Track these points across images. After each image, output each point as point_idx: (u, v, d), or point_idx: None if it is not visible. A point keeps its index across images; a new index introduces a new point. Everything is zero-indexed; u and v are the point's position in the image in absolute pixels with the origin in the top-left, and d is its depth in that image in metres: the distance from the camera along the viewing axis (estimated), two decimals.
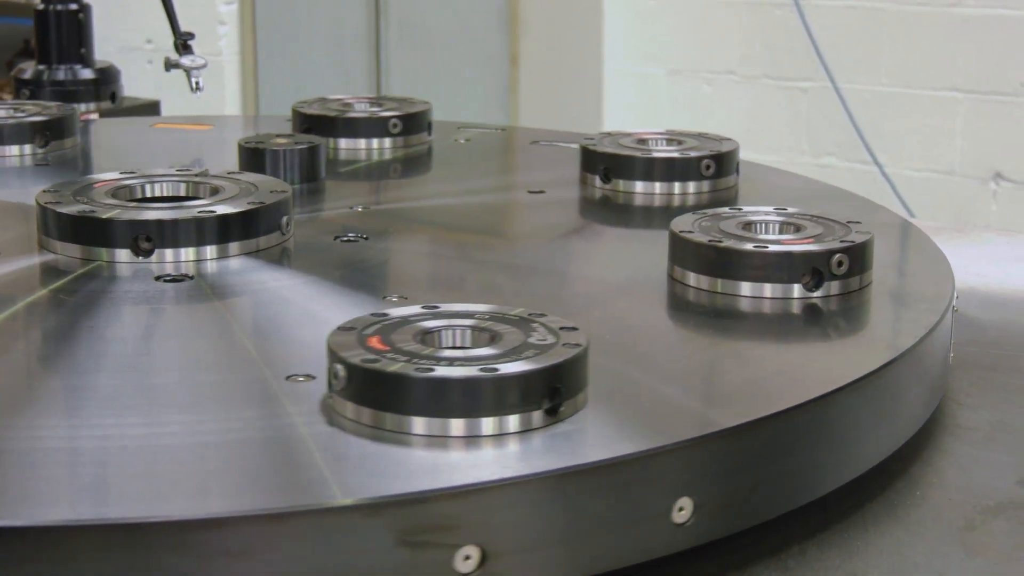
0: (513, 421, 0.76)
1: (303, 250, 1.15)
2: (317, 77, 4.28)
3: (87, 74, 2.07)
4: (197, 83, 2.19)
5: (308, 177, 1.36)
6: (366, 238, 1.19)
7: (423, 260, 1.21)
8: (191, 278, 1.05)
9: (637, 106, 4.24)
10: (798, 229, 1.07)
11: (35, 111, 1.57)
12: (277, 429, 0.78)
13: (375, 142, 1.56)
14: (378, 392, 0.76)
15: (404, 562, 0.69)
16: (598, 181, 1.37)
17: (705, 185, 1.35)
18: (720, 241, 1.03)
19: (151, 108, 2.49)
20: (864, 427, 0.87)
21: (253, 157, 1.35)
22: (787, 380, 0.87)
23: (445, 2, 4.10)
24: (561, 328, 0.82)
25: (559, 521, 0.72)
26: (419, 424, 0.75)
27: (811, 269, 1.00)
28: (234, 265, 1.09)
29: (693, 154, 1.35)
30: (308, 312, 1.02)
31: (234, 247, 1.10)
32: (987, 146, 3.84)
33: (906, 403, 0.92)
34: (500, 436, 0.75)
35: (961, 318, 1.15)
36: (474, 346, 0.82)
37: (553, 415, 0.77)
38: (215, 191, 1.17)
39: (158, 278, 1.05)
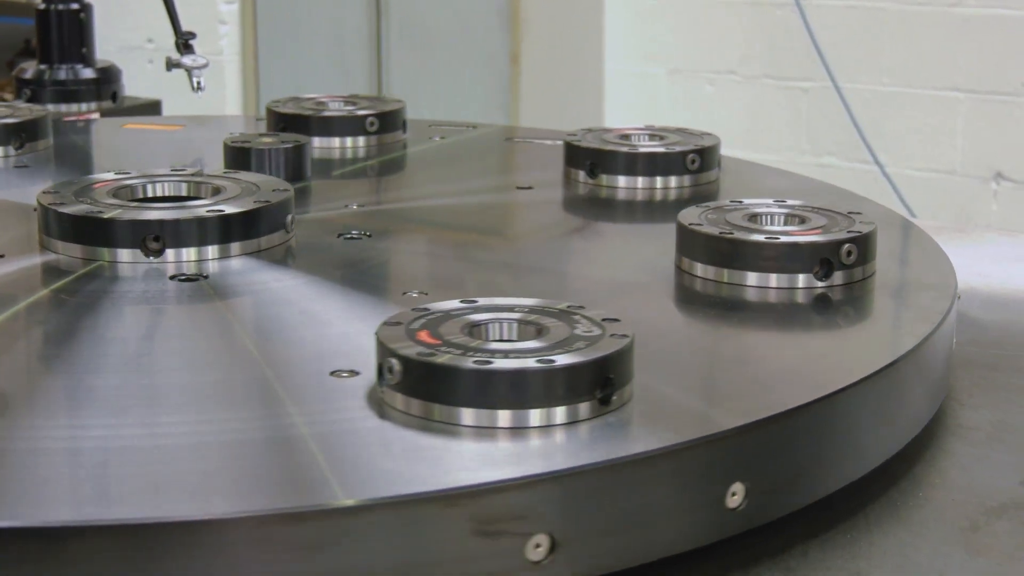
0: (569, 411, 0.77)
1: (308, 248, 1.15)
2: (318, 76, 4.28)
3: (88, 74, 2.07)
4: (198, 83, 2.18)
5: (294, 176, 1.36)
6: (369, 235, 1.19)
7: (430, 257, 1.22)
8: (205, 277, 1.05)
9: (638, 106, 4.24)
10: (803, 221, 1.10)
11: (7, 113, 1.56)
12: (335, 424, 0.79)
13: (348, 140, 1.56)
14: (436, 385, 0.77)
15: (479, 551, 0.70)
16: (582, 176, 1.39)
17: (690, 179, 1.37)
18: (731, 233, 1.05)
19: (152, 108, 2.49)
20: (867, 427, 0.87)
21: (239, 156, 1.35)
22: (789, 377, 0.88)
23: (446, 2, 4.10)
24: (604, 320, 0.84)
25: (624, 508, 0.74)
26: (478, 416, 0.77)
27: (821, 259, 1.03)
28: (242, 264, 1.09)
29: (679, 149, 1.38)
30: (333, 308, 1.03)
31: (241, 246, 1.10)
32: (988, 146, 3.84)
33: (909, 403, 0.92)
34: (557, 427, 0.77)
35: (963, 318, 1.15)
36: (521, 339, 0.83)
37: (605, 405, 0.78)
38: (217, 191, 1.17)
39: (173, 277, 1.05)
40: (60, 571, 0.66)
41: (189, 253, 1.08)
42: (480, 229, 1.32)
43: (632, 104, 4.26)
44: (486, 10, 4.01)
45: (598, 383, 0.78)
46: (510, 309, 0.86)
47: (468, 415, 0.77)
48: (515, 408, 0.76)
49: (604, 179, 1.38)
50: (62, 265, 1.08)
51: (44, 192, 1.14)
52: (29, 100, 1.97)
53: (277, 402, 0.82)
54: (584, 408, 0.78)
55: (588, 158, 1.38)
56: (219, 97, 4.40)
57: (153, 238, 1.07)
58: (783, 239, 1.04)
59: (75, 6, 2.14)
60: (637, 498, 0.74)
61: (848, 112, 3.95)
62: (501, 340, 0.83)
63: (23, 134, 1.52)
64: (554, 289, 1.10)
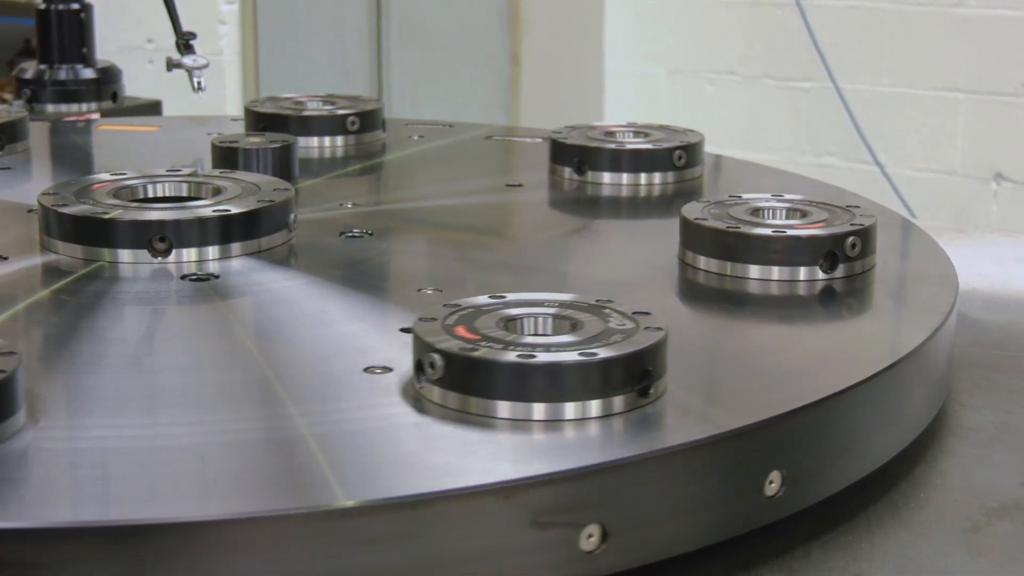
0: (609, 404, 0.78)
1: (310, 247, 1.15)
2: (318, 76, 4.28)
3: (89, 74, 2.06)
4: (199, 83, 2.18)
5: (282, 176, 1.35)
6: (371, 234, 1.19)
7: (435, 256, 1.22)
8: (216, 277, 1.05)
9: (638, 106, 4.24)
10: (804, 215, 1.12)
11: None
12: (376, 420, 0.79)
13: (327, 140, 1.56)
14: (480, 379, 0.78)
15: (535, 543, 0.71)
16: (568, 172, 1.40)
17: (674, 175, 1.40)
18: (738, 227, 1.07)
19: (152, 108, 2.49)
20: (868, 428, 0.86)
21: (226, 156, 1.35)
22: (785, 378, 0.88)
23: (446, 2, 4.10)
24: (634, 313, 0.85)
25: (672, 497, 0.76)
26: (518, 409, 0.77)
27: (826, 252, 1.05)
28: (248, 264, 1.09)
29: (666, 145, 1.40)
30: (351, 306, 1.04)
31: (246, 246, 1.10)
32: (988, 146, 3.84)
33: (910, 404, 0.92)
34: (599, 419, 0.78)
35: (964, 319, 1.15)
36: (555, 333, 0.84)
37: (644, 397, 0.79)
38: (217, 191, 1.17)
39: (184, 277, 1.05)
40: (60, 571, 0.66)
41: (194, 253, 1.08)
42: (480, 227, 1.33)
43: (632, 104, 4.26)
44: (486, 10, 4.00)
45: (637, 375, 0.79)
46: (540, 304, 0.87)
47: (509, 408, 0.78)
48: (558, 401, 0.77)
49: (591, 176, 1.39)
50: (63, 266, 1.08)
51: (44, 193, 1.14)
52: (29, 100, 1.97)
53: (315, 399, 0.83)
54: (623, 400, 0.79)
55: (576, 155, 1.40)
56: (219, 97, 4.39)
57: (159, 239, 1.07)
58: (790, 232, 1.06)
59: (75, 6, 2.14)
60: (684, 487, 0.76)
61: (848, 112, 3.95)
62: (536, 334, 0.84)
63: (2, 136, 1.52)
64: (562, 285, 1.10)
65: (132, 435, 0.77)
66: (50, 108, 1.96)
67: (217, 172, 1.23)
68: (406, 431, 0.78)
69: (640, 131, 1.46)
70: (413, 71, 4.19)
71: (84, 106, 1.98)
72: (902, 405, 0.91)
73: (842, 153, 4.02)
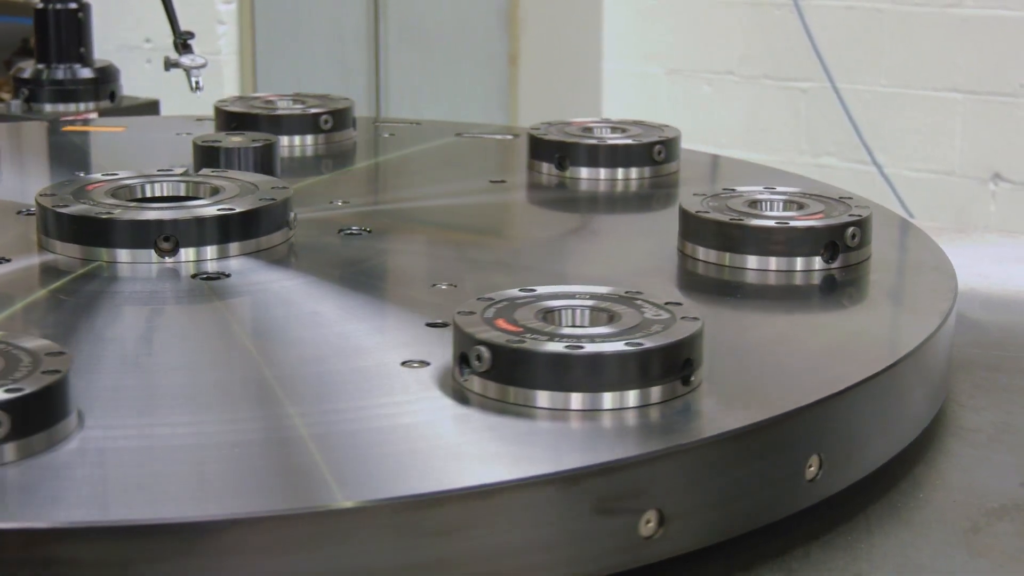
0: (652, 393, 0.79)
1: (311, 246, 1.15)
2: (316, 76, 4.28)
3: (86, 73, 2.06)
4: (197, 82, 2.18)
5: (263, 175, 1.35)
6: (369, 231, 1.20)
7: (437, 253, 1.22)
8: (227, 276, 1.05)
9: (636, 106, 4.24)
10: (801, 207, 1.13)
11: None
12: (424, 413, 0.80)
13: (297, 139, 1.55)
14: (527, 370, 0.78)
15: (597, 530, 0.72)
16: (546, 168, 1.42)
17: (651, 170, 1.41)
18: (741, 219, 1.08)
19: (150, 107, 2.49)
20: (868, 428, 0.86)
21: (208, 155, 1.34)
22: (785, 380, 0.88)
23: (445, 2, 4.10)
24: (667, 303, 0.86)
25: (724, 482, 0.77)
26: (558, 399, 0.78)
27: (827, 242, 1.07)
28: (248, 263, 1.09)
29: (646, 140, 1.42)
30: (364, 303, 1.04)
31: (246, 245, 1.10)
32: (986, 147, 3.84)
33: (909, 404, 0.92)
34: (643, 407, 0.79)
35: (963, 319, 1.15)
36: (593, 324, 0.85)
37: (686, 385, 0.81)
38: (215, 191, 1.16)
39: (195, 276, 1.05)
40: (60, 571, 0.65)
41: (197, 252, 1.08)
42: (479, 225, 1.33)
43: (631, 104, 4.26)
44: (485, 10, 4.00)
45: (680, 364, 0.80)
46: (573, 296, 0.88)
47: (549, 398, 0.78)
48: (602, 391, 0.78)
49: (570, 171, 1.40)
50: (61, 266, 1.08)
51: (42, 194, 1.14)
52: (27, 100, 1.97)
53: (358, 394, 0.83)
54: (664, 390, 0.80)
55: (557, 151, 1.41)
56: (217, 97, 4.37)
57: (164, 238, 1.07)
58: (792, 223, 1.08)
59: (73, 5, 2.14)
60: (735, 471, 0.78)
61: (847, 113, 3.95)
62: (574, 326, 0.85)
63: None
64: (573, 278, 1.10)
65: (129, 435, 0.77)
66: (48, 108, 1.96)
67: (211, 171, 1.23)
68: (458, 423, 0.79)
69: (616, 127, 1.48)
70: (411, 71, 4.19)
71: (82, 106, 1.98)
72: (902, 405, 0.90)
73: (840, 153, 4.02)
